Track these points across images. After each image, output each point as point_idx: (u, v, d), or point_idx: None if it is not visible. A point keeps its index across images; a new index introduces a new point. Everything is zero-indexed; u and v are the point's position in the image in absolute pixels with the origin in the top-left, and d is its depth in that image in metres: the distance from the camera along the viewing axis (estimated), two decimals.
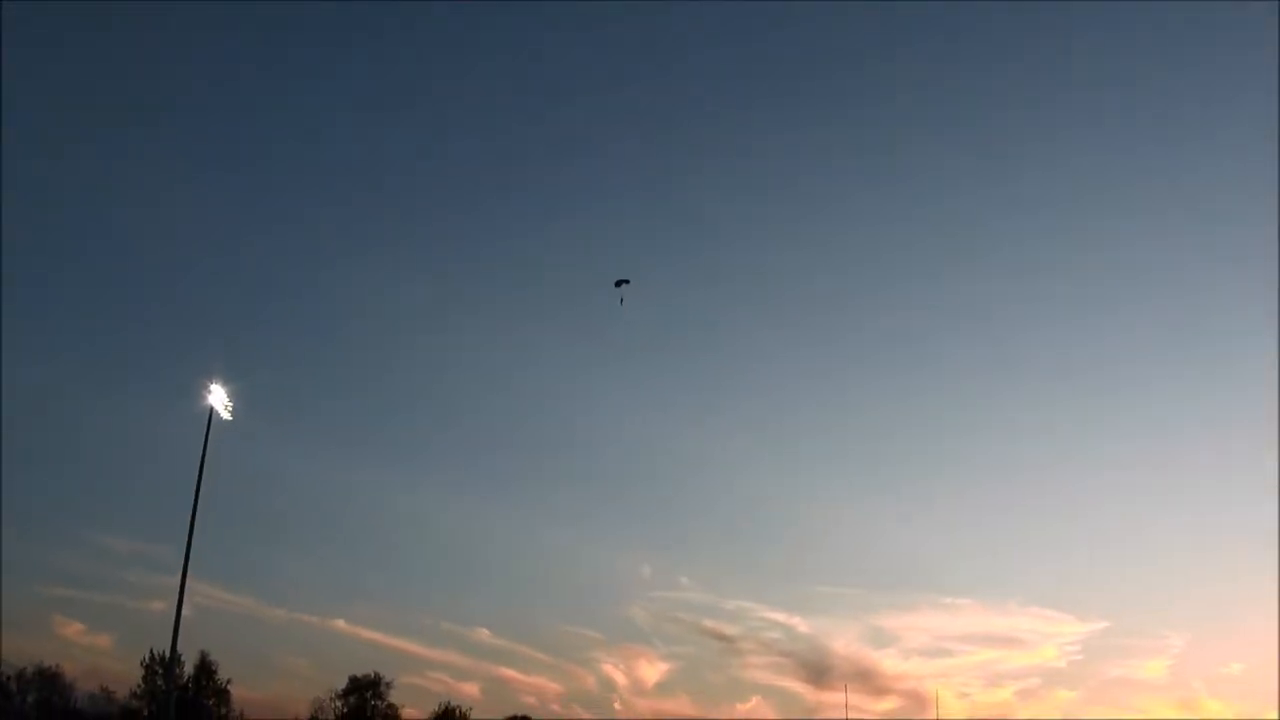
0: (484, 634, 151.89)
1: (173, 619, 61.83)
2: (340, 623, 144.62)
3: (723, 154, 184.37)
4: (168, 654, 74.33)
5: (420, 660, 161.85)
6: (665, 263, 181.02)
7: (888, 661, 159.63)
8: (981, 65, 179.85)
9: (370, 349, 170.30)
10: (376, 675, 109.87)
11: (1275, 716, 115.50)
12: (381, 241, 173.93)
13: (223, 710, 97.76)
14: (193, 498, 61.70)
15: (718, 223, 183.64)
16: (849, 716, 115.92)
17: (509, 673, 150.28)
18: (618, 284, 50.24)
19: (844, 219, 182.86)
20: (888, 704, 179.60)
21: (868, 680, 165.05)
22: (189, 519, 61.47)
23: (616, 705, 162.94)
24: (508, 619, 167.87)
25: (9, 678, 67.48)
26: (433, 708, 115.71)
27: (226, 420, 63.29)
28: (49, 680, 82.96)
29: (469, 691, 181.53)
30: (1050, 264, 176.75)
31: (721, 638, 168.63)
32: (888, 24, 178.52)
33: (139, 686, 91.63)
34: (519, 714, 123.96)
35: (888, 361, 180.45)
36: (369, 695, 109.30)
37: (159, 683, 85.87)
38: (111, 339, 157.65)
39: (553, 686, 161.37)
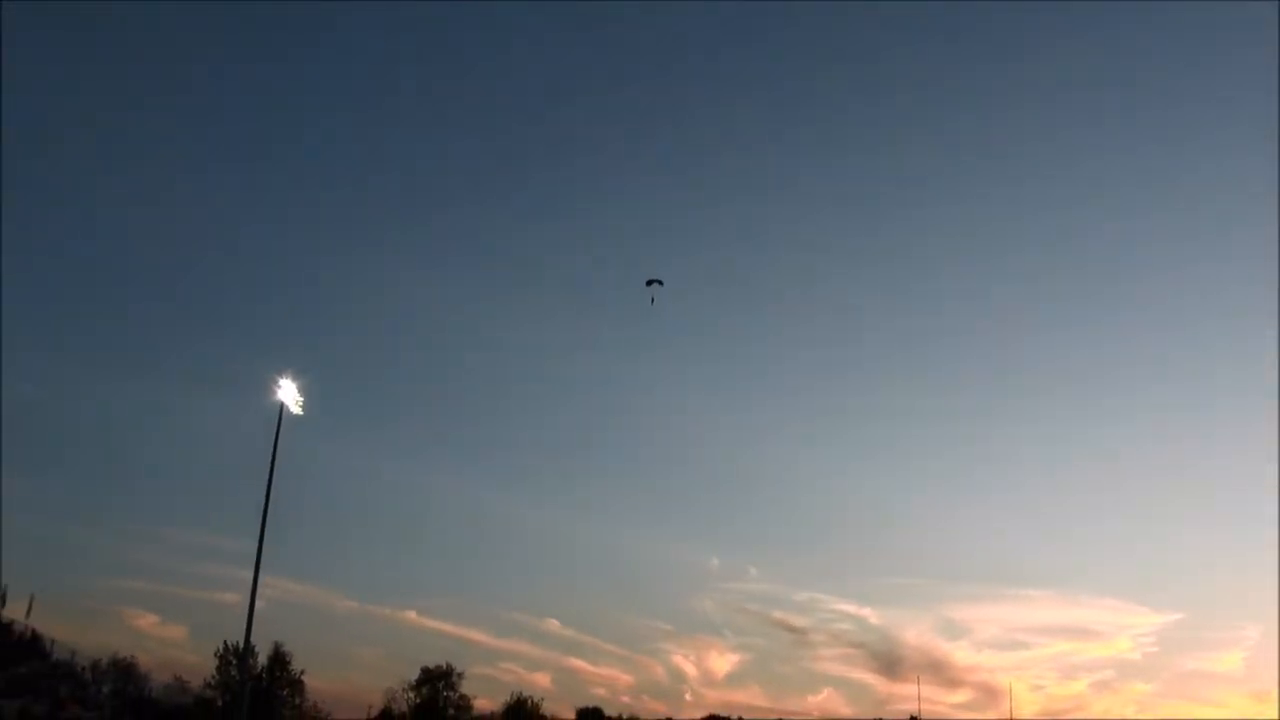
0: (554, 625, 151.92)
1: (246, 611, 61.90)
2: (411, 614, 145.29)
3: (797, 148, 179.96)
4: (242, 645, 74.37)
5: (491, 651, 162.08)
6: (733, 258, 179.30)
7: (960, 653, 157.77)
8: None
9: (442, 344, 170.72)
10: (448, 666, 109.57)
11: None
12: (449, 240, 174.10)
13: (296, 700, 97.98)
14: (265, 491, 61.67)
15: (776, 214, 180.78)
16: (921, 709, 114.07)
17: (579, 664, 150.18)
18: (649, 283, 48.41)
19: (902, 204, 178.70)
20: (960, 696, 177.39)
21: (940, 672, 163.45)
22: (261, 512, 61.47)
23: (687, 696, 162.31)
24: (577, 610, 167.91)
25: (85, 668, 67.75)
26: (504, 698, 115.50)
27: (297, 415, 63.03)
28: (124, 671, 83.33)
29: (540, 682, 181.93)
30: None
31: (792, 629, 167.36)
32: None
33: (213, 677, 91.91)
34: (589, 705, 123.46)
35: (957, 351, 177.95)
36: (441, 686, 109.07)
37: (233, 673, 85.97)
38: (183, 336, 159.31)
39: (623, 677, 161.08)
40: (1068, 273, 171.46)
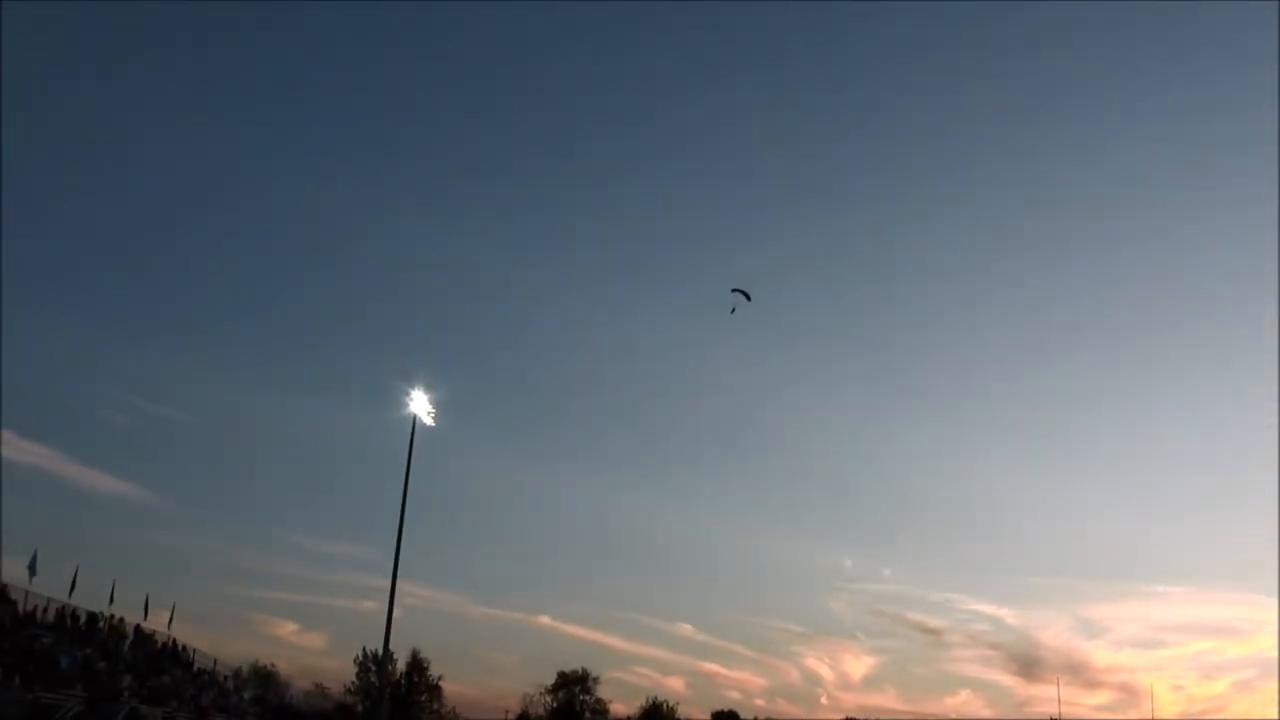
0: (686, 629, 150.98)
1: (384, 617, 62.31)
2: (544, 619, 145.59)
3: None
4: (380, 651, 75.00)
5: (624, 655, 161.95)
6: (859, 257, 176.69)
7: (1099, 653, 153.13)
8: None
9: (574, 352, 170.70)
10: (584, 670, 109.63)
11: None
12: (578, 244, 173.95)
13: (435, 706, 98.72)
14: (400, 500, 62.05)
15: (893, 215, 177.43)
16: (1061, 711, 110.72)
17: (712, 667, 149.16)
18: (735, 291, 46.27)
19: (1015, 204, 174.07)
20: (1100, 697, 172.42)
21: (1079, 673, 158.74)
22: (398, 521, 61.87)
23: (823, 700, 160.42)
24: (709, 614, 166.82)
25: (226, 676, 68.83)
26: (639, 703, 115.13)
27: (430, 426, 63.33)
28: (264, 678, 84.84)
29: (674, 686, 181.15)
30: None
31: (927, 630, 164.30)
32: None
33: (353, 683, 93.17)
34: (724, 709, 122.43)
35: (1087, 345, 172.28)
36: (577, 690, 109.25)
37: (372, 679, 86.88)
38: (320, 346, 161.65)
39: (756, 681, 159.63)
40: (1215, 262, 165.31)
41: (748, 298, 44.97)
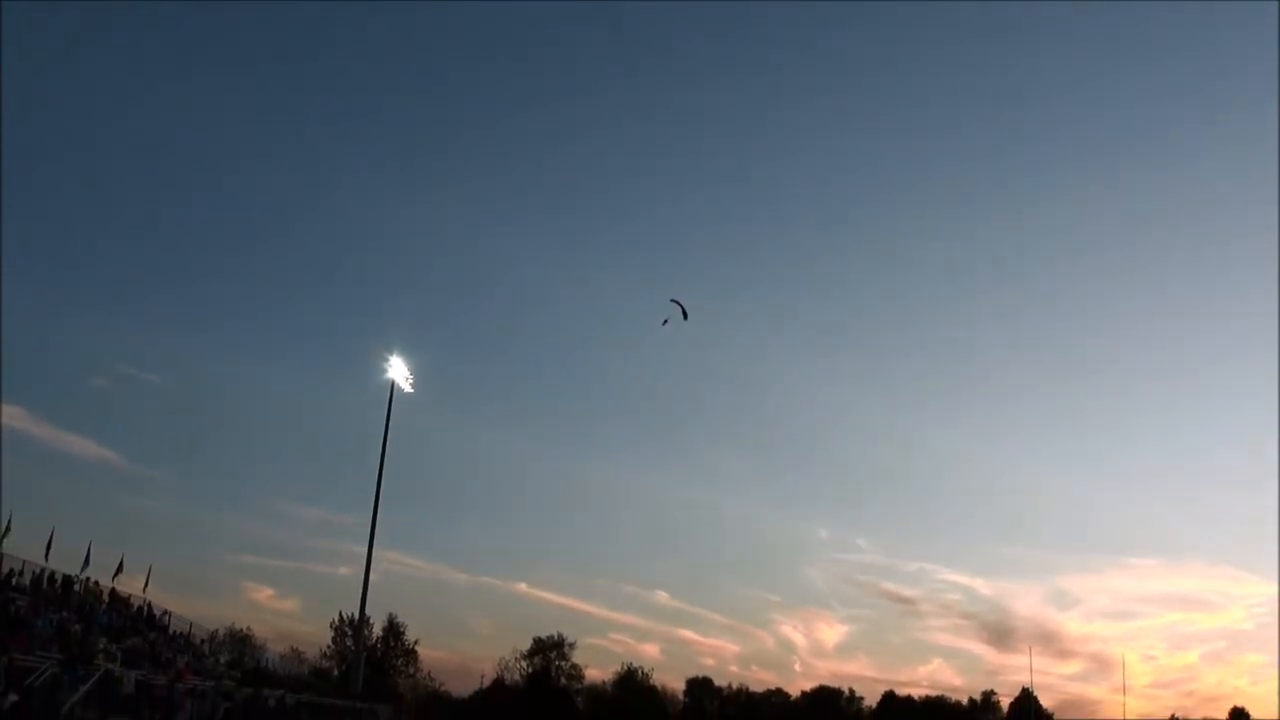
0: (663, 597, 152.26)
1: (359, 584, 62.58)
2: (522, 586, 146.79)
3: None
4: (356, 616, 75.19)
5: (601, 622, 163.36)
6: (833, 228, 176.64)
7: (1071, 624, 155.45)
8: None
9: (552, 320, 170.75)
10: (560, 636, 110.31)
11: None
12: (559, 216, 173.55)
13: (410, 670, 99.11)
14: (378, 468, 62.09)
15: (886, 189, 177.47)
16: (1033, 680, 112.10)
17: (688, 634, 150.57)
18: (673, 301, 45.49)
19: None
20: (1072, 667, 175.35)
21: (1050, 643, 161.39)
22: (375, 487, 61.94)
23: (796, 667, 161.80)
24: (686, 582, 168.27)
25: (203, 640, 68.83)
26: (615, 669, 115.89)
27: (408, 392, 63.31)
28: (240, 642, 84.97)
29: (649, 653, 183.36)
30: None
31: (901, 600, 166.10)
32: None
33: (328, 647, 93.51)
34: (699, 675, 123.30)
35: (1064, 323, 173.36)
36: (553, 656, 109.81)
37: (348, 643, 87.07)
38: (299, 314, 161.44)
39: (731, 648, 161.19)
40: (1188, 240, 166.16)
41: (684, 315, 44.42)
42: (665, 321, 44.81)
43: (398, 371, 62.25)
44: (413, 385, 63.34)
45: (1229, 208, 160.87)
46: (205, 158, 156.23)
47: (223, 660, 71.65)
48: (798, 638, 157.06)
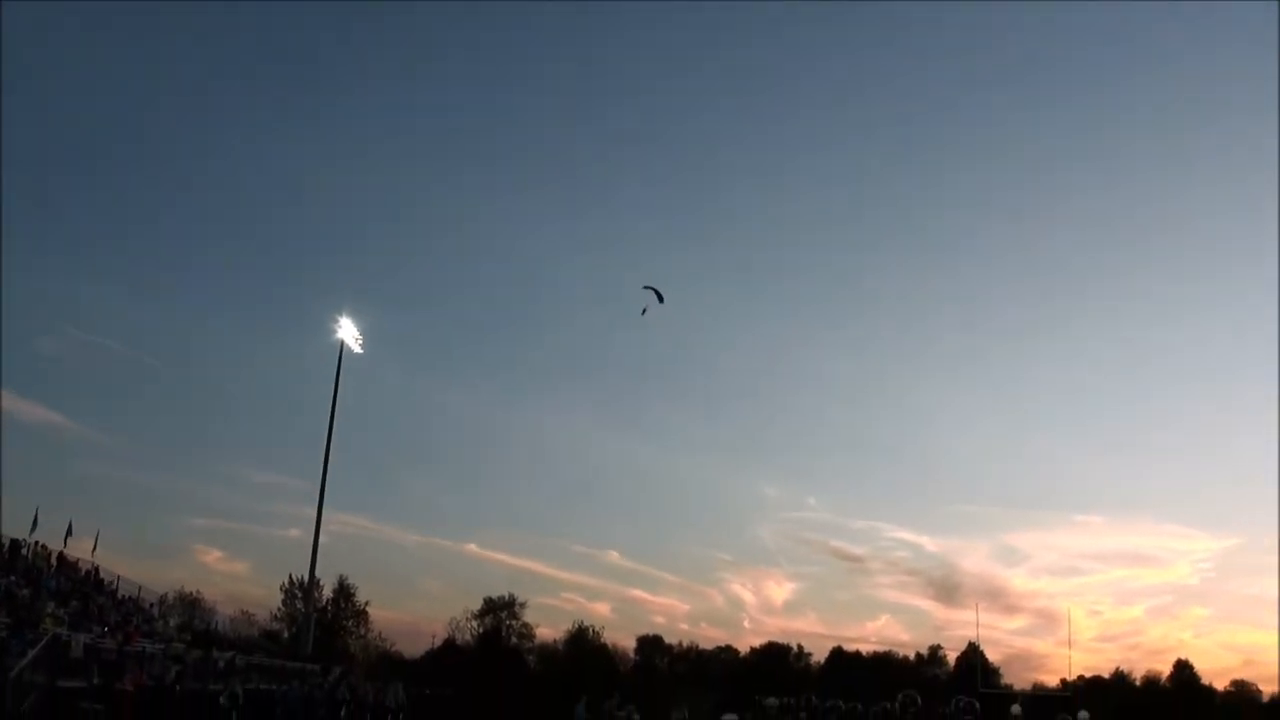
0: (614, 556, 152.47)
1: (309, 546, 62.70)
2: (473, 546, 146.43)
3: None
4: (306, 578, 75.37)
5: (552, 582, 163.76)
6: (780, 184, 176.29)
7: (1018, 580, 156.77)
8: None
9: (503, 278, 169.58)
10: (510, 596, 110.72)
11: None
12: (512, 170, 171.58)
13: (361, 631, 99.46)
14: (328, 428, 62.14)
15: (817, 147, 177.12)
16: (979, 635, 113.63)
17: (639, 594, 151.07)
18: (647, 288, 45.03)
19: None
20: (1018, 622, 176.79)
21: (997, 598, 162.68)
22: (324, 448, 62.00)
23: (745, 624, 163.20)
24: (637, 541, 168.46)
25: (151, 604, 68.65)
26: (566, 627, 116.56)
27: (358, 353, 63.26)
28: (190, 605, 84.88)
29: (600, 612, 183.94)
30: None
31: (849, 557, 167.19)
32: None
33: (279, 610, 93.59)
34: (649, 633, 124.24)
35: (1013, 276, 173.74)
36: (504, 615, 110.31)
37: (298, 606, 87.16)
38: (247, 275, 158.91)
39: (682, 607, 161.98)
40: (1125, 196, 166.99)
41: (660, 298, 44.05)
42: (644, 311, 44.48)
43: (347, 332, 62.16)
44: (362, 346, 63.32)
45: (1201, 153, 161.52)
46: (151, 112, 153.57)
47: (172, 623, 71.56)
48: (747, 595, 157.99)
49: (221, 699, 27.64)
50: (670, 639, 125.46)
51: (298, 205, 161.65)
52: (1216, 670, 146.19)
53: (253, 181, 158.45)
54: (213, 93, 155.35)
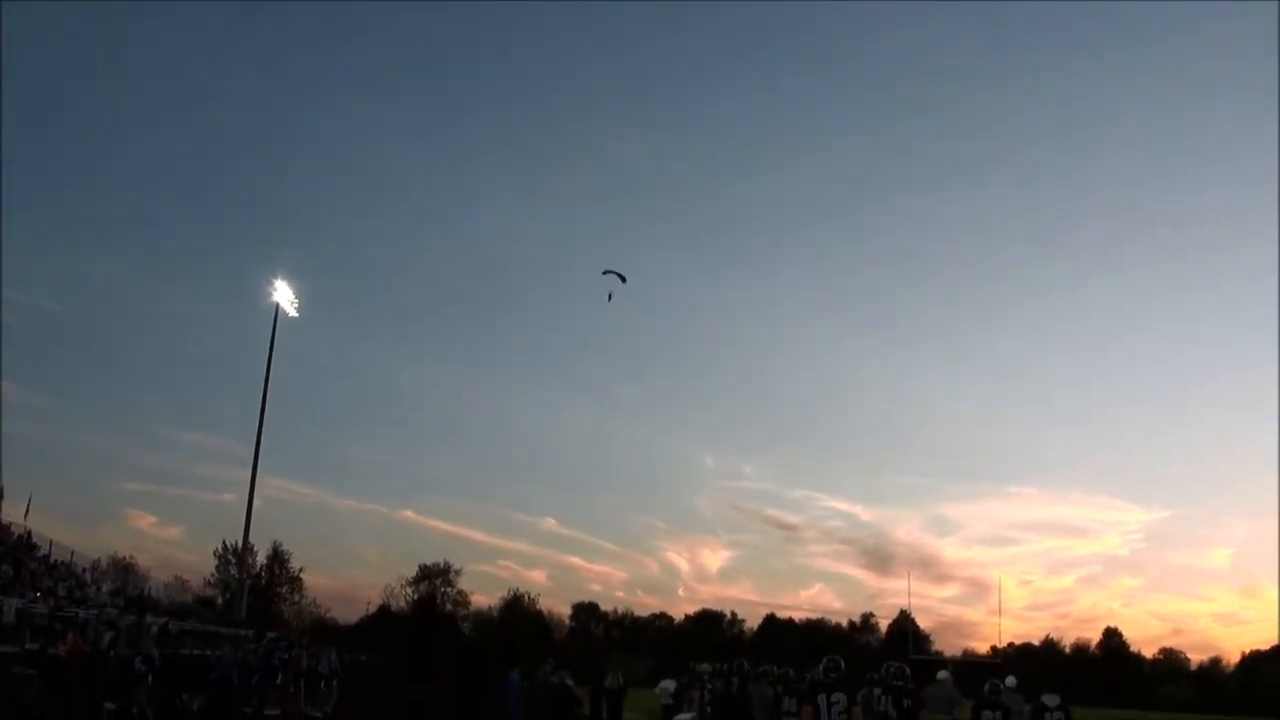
0: (551, 524, 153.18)
1: (244, 510, 62.47)
2: (408, 513, 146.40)
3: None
4: (240, 544, 75.12)
5: (488, 549, 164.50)
6: (717, 142, 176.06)
7: (950, 549, 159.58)
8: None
9: (437, 241, 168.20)
10: (446, 563, 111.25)
11: None
12: (449, 132, 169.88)
13: (295, 597, 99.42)
14: (262, 392, 61.85)
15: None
16: (910, 603, 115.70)
17: (575, 561, 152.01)
18: (609, 273, 44.41)
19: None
20: (949, 590, 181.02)
21: (929, 568, 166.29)
22: (259, 412, 61.72)
23: (680, 592, 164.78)
24: (574, 509, 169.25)
25: (85, 569, 68.09)
26: (502, 595, 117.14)
27: (294, 316, 62.93)
28: (123, 570, 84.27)
29: (536, 579, 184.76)
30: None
31: (784, 526, 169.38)
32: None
33: (213, 575, 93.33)
34: (585, 600, 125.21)
35: (950, 246, 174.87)
36: (438, 583, 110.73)
37: (232, 571, 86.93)
38: (181, 234, 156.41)
39: (618, 574, 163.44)
40: (1065, 172, 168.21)
41: (623, 279, 43.76)
42: (610, 297, 44.10)
43: (283, 295, 61.79)
44: (298, 309, 62.98)
45: (1129, 122, 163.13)
46: (82, 70, 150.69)
47: (105, 589, 71.10)
48: (683, 563, 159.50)
49: (137, 662, 27.62)
50: (606, 606, 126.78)
51: (236, 165, 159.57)
52: (1146, 638, 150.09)
53: (189, 140, 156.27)
54: (150, 48, 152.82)
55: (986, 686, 19.15)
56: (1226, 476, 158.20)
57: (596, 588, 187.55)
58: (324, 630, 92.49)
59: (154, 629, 41.36)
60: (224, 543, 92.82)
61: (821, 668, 16.39)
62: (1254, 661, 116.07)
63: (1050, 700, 17.47)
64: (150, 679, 27.71)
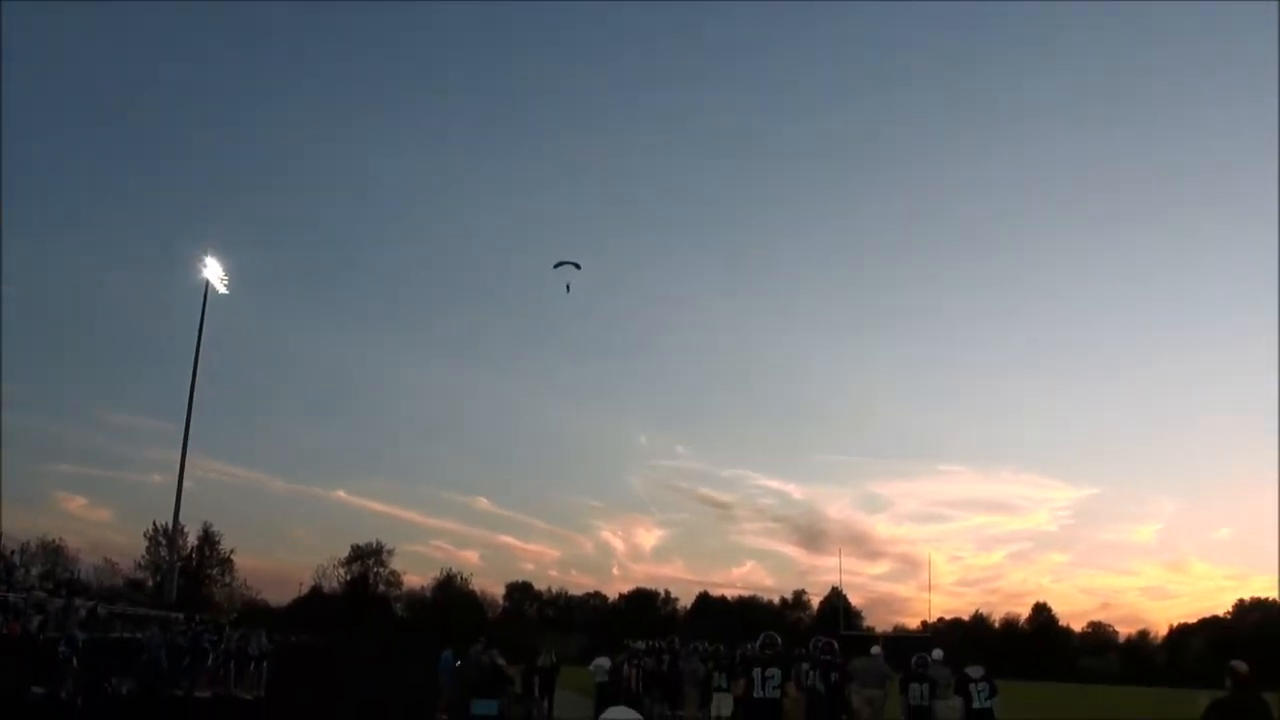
0: (484, 503, 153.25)
1: (174, 492, 61.65)
2: (341, 493, 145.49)
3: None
4: (171, 525, 74.29)
5: (421, 529, 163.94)
6: (652, 127, 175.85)
7: (881, 527, 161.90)
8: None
9: (371, 219, 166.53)
10: (378, 543, 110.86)
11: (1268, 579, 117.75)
12: (376, 109, 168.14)
13: (226, 579, 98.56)
14: (192, 372, 61.09)
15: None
16: (842, 579, 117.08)
17: (509, 540, 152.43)
18: (559, 265, 43.95)
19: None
20: (880, 567, 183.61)
21: (861, 545, 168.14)
22: (189, 391, 60.97)
23: (614, 570, 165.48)
24: (507, 489, 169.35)
25: (13, 551, 67.45)
26: (435, 575, 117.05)
27: (223, 294, 62.08)
28: (52, 553, 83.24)
29: (469, 559, 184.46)
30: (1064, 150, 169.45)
31: (717, 505, 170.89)
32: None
33: (143, 558, 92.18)
34: (518, 580, 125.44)
35: (884, 228, 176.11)
36: (371, 563, 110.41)
37: (162, 553, 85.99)
38: (111, 209, 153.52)
39: (551, 553, 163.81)
40: (1012, 161, 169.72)
41: (577, 267, 43.48)
42: (568, 288, 43.78)
43: (213, 271, 60.91)
44: (228, 286, 62.16)
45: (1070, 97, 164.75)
46: (12, 49, 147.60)
47: (34, 572, 70.42)
48: (617, 542, 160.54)
49: (60, 646, 27.40)
50: (540, 585, 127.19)
51: (165, 140, 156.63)
52: (1074, 613, 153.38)
53: (117, 114, 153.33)
54: (78, 17, 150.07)
55: (914, 660, 19.54)
56: (1154, 455, 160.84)
57: (530, 567, 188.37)
58: (255, 612, 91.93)
59: (83, 612, 40.94)
60: (154, 524, 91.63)
61: (758, 643, 16.65)
62: (1180, 635, 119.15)
63: (974, 672, 17.82)
64: (75, 662, 27.50)
